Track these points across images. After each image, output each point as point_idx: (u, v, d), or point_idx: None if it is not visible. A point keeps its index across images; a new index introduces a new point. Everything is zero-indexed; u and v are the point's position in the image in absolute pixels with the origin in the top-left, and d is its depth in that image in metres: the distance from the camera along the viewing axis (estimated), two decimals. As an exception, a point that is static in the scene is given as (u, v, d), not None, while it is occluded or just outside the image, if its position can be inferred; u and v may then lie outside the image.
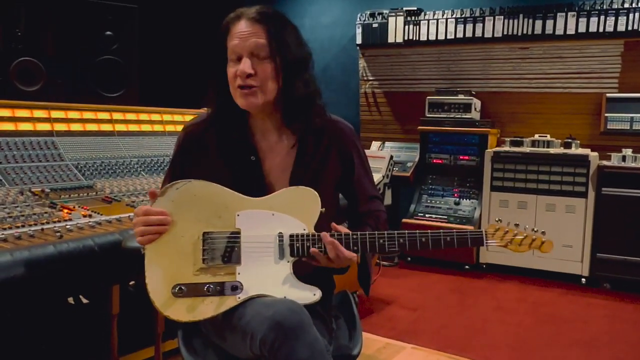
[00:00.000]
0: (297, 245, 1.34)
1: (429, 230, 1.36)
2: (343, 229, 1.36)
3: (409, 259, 4.46)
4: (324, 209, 1.37)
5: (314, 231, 1.35)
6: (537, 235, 1.39)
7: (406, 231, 1.36)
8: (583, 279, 3.89)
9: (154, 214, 1.32)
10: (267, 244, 1.34)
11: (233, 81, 1.38)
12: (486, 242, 1.36)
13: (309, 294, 1.32)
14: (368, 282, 1.59)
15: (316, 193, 1.37)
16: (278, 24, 1.37)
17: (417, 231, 1.36)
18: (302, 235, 1.34)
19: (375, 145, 5.01)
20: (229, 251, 1.33)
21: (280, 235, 1.34)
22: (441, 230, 1.36)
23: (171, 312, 1.30)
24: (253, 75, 1.35)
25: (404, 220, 4.40)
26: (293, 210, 1.36)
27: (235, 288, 1.31)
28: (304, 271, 1.35)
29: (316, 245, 1.33)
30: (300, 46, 1.42)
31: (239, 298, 1.30)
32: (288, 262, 1.34)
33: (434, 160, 4.57)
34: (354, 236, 1.34)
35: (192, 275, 1.32)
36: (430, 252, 4.15)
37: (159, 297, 1.30)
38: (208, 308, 1.30)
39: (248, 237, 1.34)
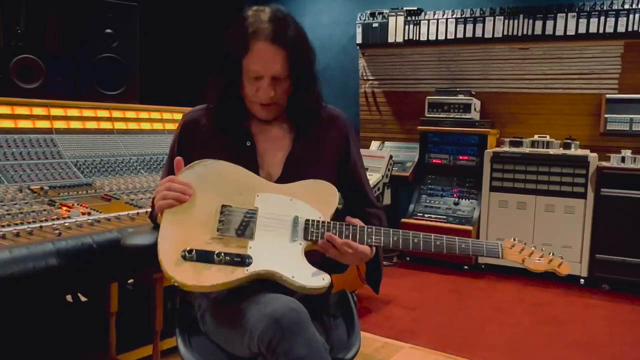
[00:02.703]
0: (312, 229, 1.35)
1: (444, 235, 1.36)
2: (358, 221, 1.38)
3: (408, 258, 4.46)
4: (341, 205, 1.39)
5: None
6: (555, 257, 1.37)
7: (421, 233, 1.37)
8: (582, 280, 3.90)
9: (178, 182, 1.36)
10: (283, 224, 1.36)
11: (253, 96, 1.42)
12: (502, 256, 1.36)
13: (318, 278, 1.31)
14: (379, 278, 1.57)
15: (336, 189, 1.41)
16: (295, 42, 1.38)
17: (433, 234, 1.36)
18: (317, 222, 1.36)
19: (374, 145, 5.01)
20: (244, 225, 1.35)
21: (296, 219, 1.37)
22: (457, 237, 1.36)
23: (177, 273, 1.27)
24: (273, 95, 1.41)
25: (403, 220, 4.40)
26: (312, 200, 1.40)
27: (245, 260, 1.30)
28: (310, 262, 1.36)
29: (331, 232, 1.34)
30: (309, 56, 1.45)
31: (247, 270, 1.29)
32: (300, 244, 1.35)
33: (434, 160, 4.57)
34: (369, 230, 1.36)
35: (204, 243, 1.32)
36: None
37: (167, 259, 1.29)
38: (215, 275, 1.27)
39: (264, 215, 1.37)
